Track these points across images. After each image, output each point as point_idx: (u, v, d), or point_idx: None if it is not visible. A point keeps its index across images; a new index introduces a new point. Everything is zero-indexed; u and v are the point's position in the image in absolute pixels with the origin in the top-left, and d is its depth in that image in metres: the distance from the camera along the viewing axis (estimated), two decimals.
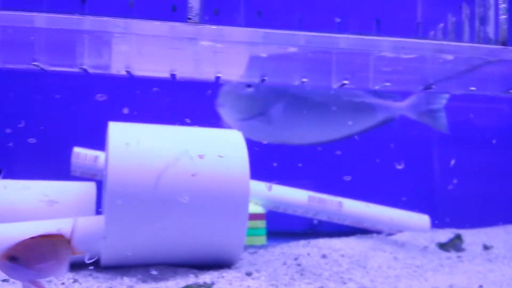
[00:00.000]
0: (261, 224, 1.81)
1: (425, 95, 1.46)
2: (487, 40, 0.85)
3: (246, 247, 1.64)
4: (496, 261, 1.54)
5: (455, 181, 2.13)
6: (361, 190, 1.96)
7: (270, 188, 1.83)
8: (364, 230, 1.93)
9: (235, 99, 1.48)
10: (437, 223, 1.99)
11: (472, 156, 2.24)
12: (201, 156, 1.25)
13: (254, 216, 1.77)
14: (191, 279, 1.24)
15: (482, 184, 2.24)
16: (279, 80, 1.05)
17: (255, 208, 1.84)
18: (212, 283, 1.18)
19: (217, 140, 1.42)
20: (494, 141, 2.21)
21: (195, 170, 1.31)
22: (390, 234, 1.87)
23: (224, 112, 1.53)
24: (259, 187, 1.86)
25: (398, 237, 1.78)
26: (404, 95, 1.69)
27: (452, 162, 1.93)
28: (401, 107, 1.54)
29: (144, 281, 1.25)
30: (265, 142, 1.57)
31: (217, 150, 1.37)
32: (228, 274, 1.28)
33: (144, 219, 1.27)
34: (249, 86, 1.32)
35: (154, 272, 1.31)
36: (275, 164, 1.89)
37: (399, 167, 1.35)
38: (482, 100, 2.28)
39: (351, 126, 1.53)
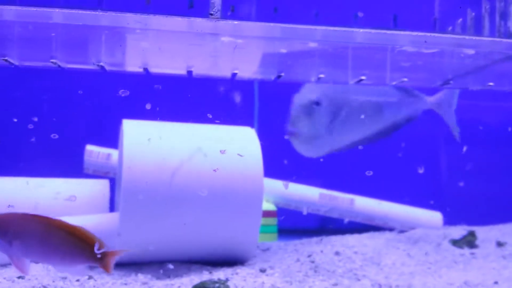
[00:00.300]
0: (273, 221, 1.81)
1: (452, 92, 1.46)
2: (507, 35, 0.84)
3: (259, 245, 1.64)
4: (510, 258, 1.53)
5: (461, 183, 2.13)
6: (373, 188, 1.95)
7: (287, 186, 1.83)
8: (376, 228, 1.93)
9: (308, 125, 1.35)
10: (450, 220, 1.98)
11: (486, 154, 2.23)
12: (222, 151, 1.25)
13: (265, 213, 1.77)
14: (205, 275, 1.24)
15: (495, 182, 2.23)
16: (295, 77, 1.05)
17: (266, 205, 1.84)
18: (227, 279, 1.18)
19: (231, 137, 1.42)
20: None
21: (210, 167, 1.31)
22: (402, 231, 1.87)
23: (300, 143, 1.41)
24: (273, 184, 1.86)
25: (411, 234, 1.77)
26: (426, 92, 1.69)
27: (464, 148, 1.91)
28: (431, 101, 1.53)
29: (158, 277, 1.25)
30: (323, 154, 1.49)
31: (231, 147, 1.37)
32: (242, 270, 1.28)
33: (158, 216, 1.27)
34: (317, 103, 1.24)
35: (168, 269, 1.32)
36: (285, 162, 1.89)
37: (420, 171, 1.35)
38: (494, 99, 2.27)
39: (385, 122, 1.51)
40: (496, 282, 1.26)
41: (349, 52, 0.94)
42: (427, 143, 2.20)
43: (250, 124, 1.53)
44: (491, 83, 1.02)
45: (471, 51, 0.83)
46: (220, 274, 1.25)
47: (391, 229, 1.93)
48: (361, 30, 0.84)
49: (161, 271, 1.30)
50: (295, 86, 2.06)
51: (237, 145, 1.39)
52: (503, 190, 2.20)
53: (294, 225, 1.97)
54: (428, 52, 0.84)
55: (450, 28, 0.97)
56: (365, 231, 1.82)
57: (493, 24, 0.86)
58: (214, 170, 1.22)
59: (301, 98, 1.25)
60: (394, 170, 2.06)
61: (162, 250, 1.32)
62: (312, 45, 0.84)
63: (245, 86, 2.09)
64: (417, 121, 2.21)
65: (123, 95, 0.99)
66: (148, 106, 1.09)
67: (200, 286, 1.13)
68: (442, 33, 0.80)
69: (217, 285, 1.14)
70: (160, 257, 1.33)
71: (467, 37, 0.81)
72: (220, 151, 1.25)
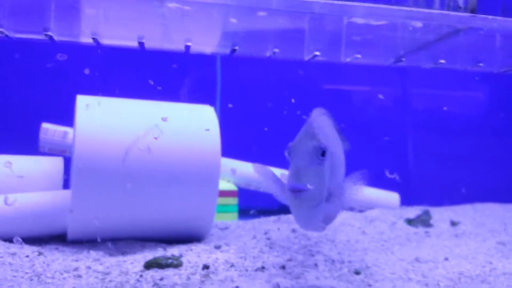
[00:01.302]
0: (233, 201, 1.81)
1: None
2: (456, 8, 0.85)
3: (217, 224, 1.64)
4: (462, 236, 1.57)
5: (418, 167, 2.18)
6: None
7: (234, 173, 1.83)
8: None
9: (318, 182, 0.93)
10: (407, 201, 2.03)
11: (446, 142, 2.29)
12: (164, 119, 1.23)
13: (226, 193, 1.77)
14: (160, 252, 1.24)
15: (454, 167, 2.29)
16: (250, 51, 1.03)
17: (227, 185, 1.84)
18: (180, 256, 1.18)
19: (190, 114, 1.40)
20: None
21: (166, 144, 1.30)
22: (361, 211, 1.89)
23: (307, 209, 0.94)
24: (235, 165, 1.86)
25: (368, 213, 1.80)
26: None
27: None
28: None
29: (111, 254, 1.24)
30: None
31: (190, 124, 1.36)
32: (197, 247, 1.28)
33: (111, 193, 1.25)
34: (323, 153, 0.89)
35: (121, 246, 1.30)
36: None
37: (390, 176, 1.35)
38: (458, 88, 2.34)
39: None
40: (446, 259, 1.29)
41: (305, 25, 0.93)
42: (391, 130, 2.24)
43: (212, 103, 1.52)
44: (442, 61, 1.03)
45: (419, 24, 0.84)
46: (174, 250, 1.24)
47: (349, 209, 1.96)
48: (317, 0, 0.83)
49: (114, 248, 1.28)
50: (256, 63, 2.06)
51: (195, 123, 1.38)
52: (459, 174, 2.26)
53: (256, 205, 1.97)
54: (377, 24, 0.84)
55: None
56: None
57: None
58: (156, 138, 1.20)
59: (305, 141, 0.91)
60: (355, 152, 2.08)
61: (116, 227, 1.30)
62: (262, 14, 0.83)
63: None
64: (381, 108, 2.26)
65: (60, 59, 0.96)
66: (86, 71, 1.05)
67: (153, 262, 1.12)
68: (390, 5, 0.80)
69: (170, 260, 1.13)
70: (113, 235, 1.31)
71: (415, 9, 0.82)
72: (162, 119, 1.23)
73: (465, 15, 0.84)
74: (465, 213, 1.98)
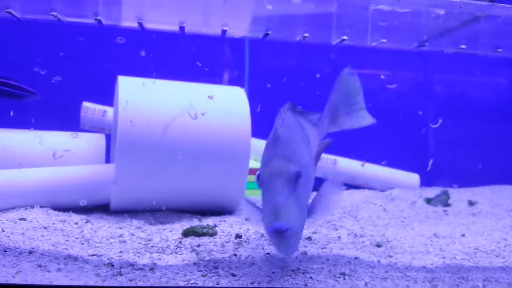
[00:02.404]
0: None
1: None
2: None
3: (246, 198, 1.73)
4: (479, 215, 1.64)
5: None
6: (358, 150, 2.05)
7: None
8: (357, 187, 2.03)
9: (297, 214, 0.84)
10: (427, 182, 2.09)
11: (466, 126, 2.34)
12: (210, 97, 1.32)
13: (255, 171, 1.85)
14: (195, 222, 1.34)
15: (472, 150, 2.35)
16: (281, 35, 1.11)
17: (256, 164, 1.92)
18: (215, 225, 1.27)
19: (221, 95, 1.49)
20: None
21: (199, 123, 1.39)
22: (382, 191, 1.97)
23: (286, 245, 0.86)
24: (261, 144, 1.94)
25: (389, 193, 1.87)
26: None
27: (440, 121, 2.02)
28: None
29: (151, 223, 1.35)
30: None
31: (221, 105, 1.45)
32: (229, 219, 1.37)
33: (151, 167, 1.36)
34: (297, 177, 0.82)
35: (159, 217, 1.41)
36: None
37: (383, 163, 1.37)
38: (480, 74, 2.39)
39: None
40: (463, 235, 1.36)
41: (332, 9, 1.00)
42: (409, 114, 2.30)
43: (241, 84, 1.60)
44: (463, 46, 1.10)
45: (441, 11, 0.91)
46: (209, 221, 1.34)
47: (371, 189, 2.04)
48: None
49: (154, 218, 1.39)
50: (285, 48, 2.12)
51: (227, 104, 1.47)
52: (477, 157, 2.31)
53: None
54: (402, 11, 0.91)
55: None
56: (346, 190, 1.92)
57: None
58: (203, 114, 1.29)
59: (276, 168, 0.81)
60: (377, 135, 2.15)
61: (155, 199, 1.40)
62: (296, 1, 0.90)
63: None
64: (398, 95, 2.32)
65: (120, 42, 1.04)
66: (143, 53, 1.14)
67: (190, 230, 1.22)
68: None
69: (205, 229, 1.23)
70: (153, 206, 1.42)
71: None
72: (208, 97, 1.32)
73: (484, 4, 0.91)
74: (483, 194, 2.04)
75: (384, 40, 1.06)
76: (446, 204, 1.75)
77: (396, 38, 1.08)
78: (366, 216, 1.51)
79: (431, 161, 2.06)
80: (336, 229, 1.35)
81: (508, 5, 0.92)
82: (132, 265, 0.97)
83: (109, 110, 1.80)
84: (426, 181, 2.13)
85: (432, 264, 1.09)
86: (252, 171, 1.78)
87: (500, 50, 1.12)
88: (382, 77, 2.32)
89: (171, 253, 1.07)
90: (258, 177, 0.85)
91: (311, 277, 0.92)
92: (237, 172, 1.44)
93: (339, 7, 0.95)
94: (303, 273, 0.94)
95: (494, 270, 1.06)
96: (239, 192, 1.46)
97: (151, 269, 0.95)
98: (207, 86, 1.53)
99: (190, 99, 1.41)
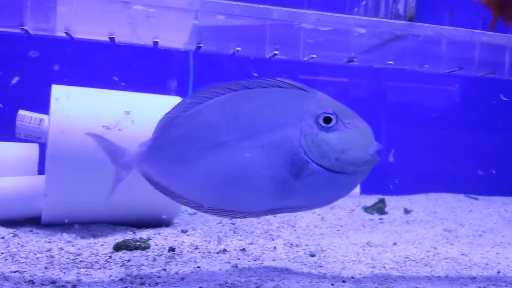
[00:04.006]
0: None
1: None
2: (397, 16, 0.94)
3: (187, 209, 1.72)
4: (413, 223, 1.69)
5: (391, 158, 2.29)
6: None
7: None
8: None
9: None
10: (367, 190, 2.14)
11: (407, 134, 2.41)
12: (127, 112, 1.31)
13: None
14: (129, 235, 1.32)
15: (411, 158, 2.42)
16: (214, 48, 1.11)
17: None
18: (148, 239, 1.26)
19: (158, 105, 1.48)
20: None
21: (136, 133, 1.37)
22: None
23: None
24: None
25: None
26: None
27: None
28: None
29: (82, 237, 1.32)
30: None
31: (156, 114, 1.43)
32: (164, 231, 1.36)
33: (83, 178, 1.32)
34: None
35: (93, 229, 1.38)
36: None
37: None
38: (431, 81, 2.46)
39: None
40: (395, 243, 1.40)
41: (266, 28, 1.01)
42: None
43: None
44: (391, 62, 1.13)
45: (362, 30, 0.94)
46: (143, 234, 1.32)
47: None
48: (275, 7, 0.92)
49: (86, 231, 1.36)
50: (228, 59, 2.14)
51: (161, 113, 1.45)
52: (415, 165, 2.38)
53: None
54: (325, 29, 0.93)
55: (356, 10, 1.07)
56: None
57: (388, 6, 0.96)
58: (127, 112, 1.28)
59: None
60: None
61: (88, 212, 1.37)
62: (220, 17, 0.91)
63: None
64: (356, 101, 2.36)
65: (33, 56, 1.02)
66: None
67: (122, 244, 1.20)
68: (334, 13, 0.90)
69: (138, 243, 1.21)
70: (86, 218, 1.39)
71: (357, 16, 0.91)
72: (125, 112, 1.30)
73: (403, 23, 0.93)
74: (419, 202, 2.11)
75: (314, 56, 1.08)
76: (383, 212, 1.80)
77: (324, 54, 1.11)
78: (304, 225, 1.53)
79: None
80: (273, 239, 1.36)
81: (427, 24, 0.95)
82: (54, 282, 0.94)
83: (46, 118, 1.75)
84: (365, 189, 2.18)
85: (360, 274, 1.11)
86: None
87: (426, 66, 1.16)
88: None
89: (100, 268, 1.05)
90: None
91: None
92: None
93: (270, 25, 0.96)
94: (230, 287, 0.94)
95: (419, 280, 1.10)
96: (174, 204, 1.44)
97: (74, 286, 0.92)
98: (145, 96, 1.51)
99: (124, 109, 1.39)
